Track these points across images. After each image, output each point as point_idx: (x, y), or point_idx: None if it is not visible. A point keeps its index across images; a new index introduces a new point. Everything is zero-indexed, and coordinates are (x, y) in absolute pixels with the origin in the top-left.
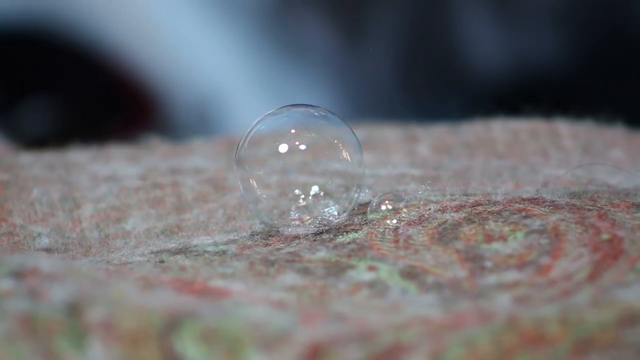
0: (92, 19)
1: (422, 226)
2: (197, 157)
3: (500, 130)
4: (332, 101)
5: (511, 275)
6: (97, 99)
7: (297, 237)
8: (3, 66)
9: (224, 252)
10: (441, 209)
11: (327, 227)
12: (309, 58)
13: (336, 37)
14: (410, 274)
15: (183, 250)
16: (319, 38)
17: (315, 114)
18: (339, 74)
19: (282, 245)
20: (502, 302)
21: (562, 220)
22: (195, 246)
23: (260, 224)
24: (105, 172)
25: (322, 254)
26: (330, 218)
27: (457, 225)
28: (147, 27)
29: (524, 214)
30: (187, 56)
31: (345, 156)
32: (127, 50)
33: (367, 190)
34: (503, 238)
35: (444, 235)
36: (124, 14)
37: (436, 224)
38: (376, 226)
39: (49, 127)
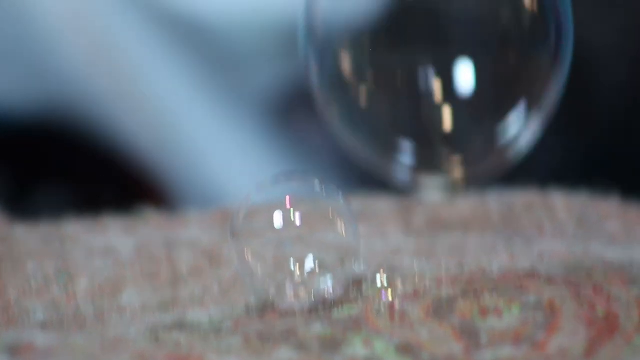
0: (108, 116)
1: (417, 300)
2: (193, 229)
3: (495, 202)
4: (329, 172)
5: (507, 351)
6: (107, 192)
7: (292, 311)
8: (18, 155)
9: (220, 326)
10: (436, 282)
11: (322, 301)
12: (312, 153)
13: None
14: (406, 349)
15: (178, 325)
16: (320, 136)
17: (311, 184)
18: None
19: (278, 319)
20: None
21: (558, 294)
22: (190, 320)
23: (255, 297)
24: (100, 244)
25: (317, 328)
26: (326, 291)
27: (452, 299)
28: (160, 124)
29: (519, 288)
30: (198, 154)
31: (340, 229)
32: (139, 146)
33: (362, 264)
34: (498, 312)
35: (440, 309)
36: (138, 111)
37: (431, 298)
38: (372, 300)
39: (58, 215)
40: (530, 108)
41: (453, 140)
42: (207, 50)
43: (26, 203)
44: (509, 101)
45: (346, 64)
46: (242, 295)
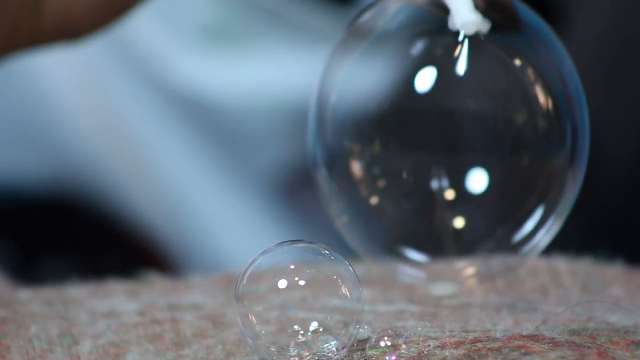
0: (115, 189)
1: None
2: (196, 293)
3: (499, 267)
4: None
5: None
6: (113, 262)
7: None
8: (27, 227)
9: None
10: (440, 345)
11: None
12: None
13: None
14: None
15: None
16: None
17: (315, 249)
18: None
19: None
20: None
21: (562, 357)
22: None
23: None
24: (103, 307)
25: None
26: (329, 354)
27: None
28: (167, 198)
29: (523, 350)
30: (203, 227)
31: (344, 292)
32: (146, 219)
33: (366, 326)
34: None
35: None
36: (146, 184)
37: None
38: None
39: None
40: (546, 211)
41: (465, 245)
42: (215, 128)
43: (33, 274)
44: (524, 205)
45: (356, 166)
46: (246, 358)
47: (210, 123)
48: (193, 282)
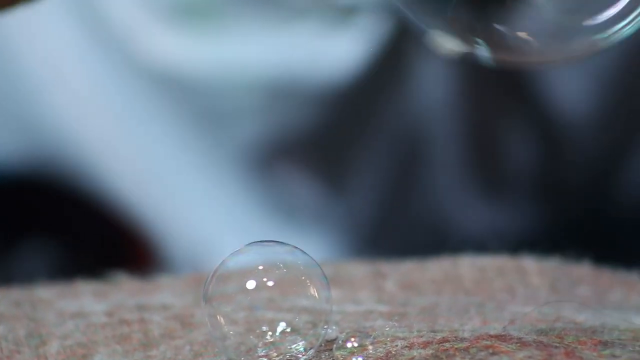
0: (95, 169)
1: None
2: (165, 294)
3: (468, 267)
4: (313, 226)
5: None
6: (96, 246)
7: None
8: (3, 209)
9: None
10: (408, 345)
11: None
12: (294, 210)
13: (319, 188)
14: None
15: None
16: (303, 190)
17: (283, 250)
18: (322, 222)
19: None
20: None
21: (530, 357)
22: None
23: None
24: (72, 308)
25: None
26: (298, 355)
27: None
28: (144, 179)
29: (491, 350)
30: (182, 210)
31: (312, 292)
32: (125, 199)
33: (334, 327)
34: None
35: None
36: (125, 165)
37: None
38: None
39: (44, 271)
40: None
41: None
42: (191, 103)
43: (9, 256)
44: None
45: None
46: (214, 358)
47: (186, 98)
48: (162, 282)
